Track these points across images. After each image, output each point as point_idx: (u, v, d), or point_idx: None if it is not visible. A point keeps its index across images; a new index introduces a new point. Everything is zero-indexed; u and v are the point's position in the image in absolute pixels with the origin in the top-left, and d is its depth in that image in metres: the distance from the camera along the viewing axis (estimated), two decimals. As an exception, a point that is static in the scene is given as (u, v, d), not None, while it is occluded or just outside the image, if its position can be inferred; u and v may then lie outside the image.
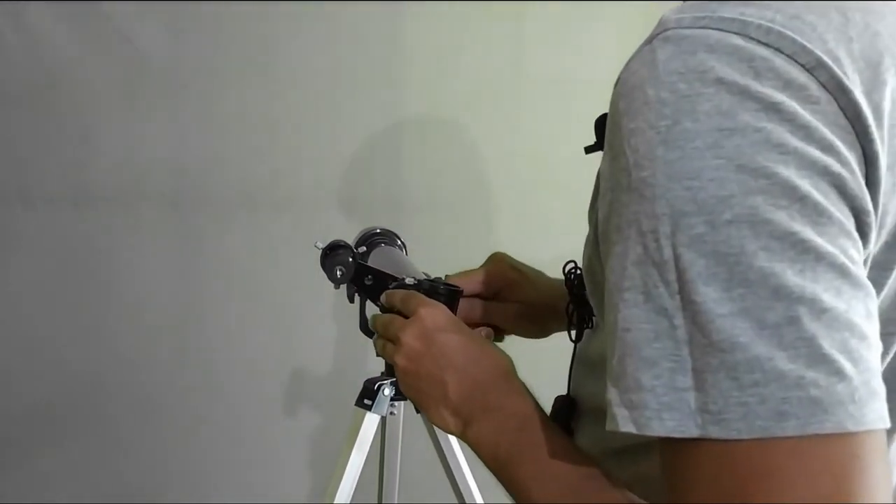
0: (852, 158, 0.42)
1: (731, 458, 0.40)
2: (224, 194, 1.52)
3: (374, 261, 0.97)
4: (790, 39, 0.42)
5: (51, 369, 1.49)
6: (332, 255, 0.92)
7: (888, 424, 0.41)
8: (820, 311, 0.39)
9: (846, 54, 0.43)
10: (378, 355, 0.77)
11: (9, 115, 1.41)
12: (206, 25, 1.46)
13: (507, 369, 0.65)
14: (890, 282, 0.47)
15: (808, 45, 0.42)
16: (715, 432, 0.40)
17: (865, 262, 0.44)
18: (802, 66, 0.42)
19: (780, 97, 0.41)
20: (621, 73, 0.47)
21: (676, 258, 0.41)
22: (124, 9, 1.42)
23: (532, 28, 1.60)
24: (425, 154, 1.60)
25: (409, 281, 0.82)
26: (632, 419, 0.43)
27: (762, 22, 0.42)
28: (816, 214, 0.40)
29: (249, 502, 1.58)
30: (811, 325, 0.39)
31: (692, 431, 0.41)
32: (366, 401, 1.01)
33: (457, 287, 0.81)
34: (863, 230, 0.42)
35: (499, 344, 0.86)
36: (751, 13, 0.43)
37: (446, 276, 0.89)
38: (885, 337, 0.45)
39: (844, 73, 0.42)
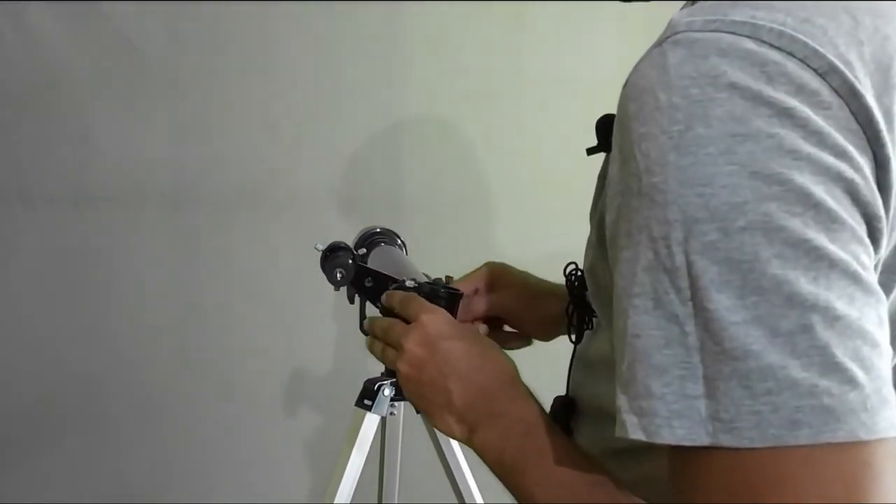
0: (864, 163, 0.41)
1: (743, 466, 0.40)
2: (224, 194, 1.52)
3: (374, 261, 0.97)
4: (802, 43, 0.42)
5: (51, 369, 1.49)
6: (331, 257, 0.92)
7: None
8: (833, 318, 0.39)
9: (857, 58, 0.43)
10: (379, 359, 0.76)
11: (9, 115, 1.41)
12: (205, 25, 1.46)
13: (511, 374, 0.65)
14: None
15: (820, 50, 0.41)
16: (727, 440, 0.40)
17: (875, 266, 0.43)
18: (814, 70, 0.41)
19: (793, 102, 0.41)
20: (630, 75, 0.46)
21: (689, 265, 0.41)
22: (124, 9, 1.42)
23: (532, 28, 1.60)
24: (425, 154, 1.60)
25: (409, 283, 0.82)
26: (641, 426, 0.43)
27: (774, 25, 0.42)
28: (830, 221, 0.40)
29: (249, 502, 1.58)
30: (824, 334, 0.39)
31: (703, 439, 0.41)
32: (366, 401, 1.01)
33: (457, 290, 0.81)
34: (874, 235, 0.42)
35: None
36: (762, 16, 0.42)
37: (446, 277, 0.89)
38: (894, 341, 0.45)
39: (856, 78, 0.42)
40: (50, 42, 1.40)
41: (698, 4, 0.47)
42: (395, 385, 0.98)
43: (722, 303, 0.40)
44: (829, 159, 0.40)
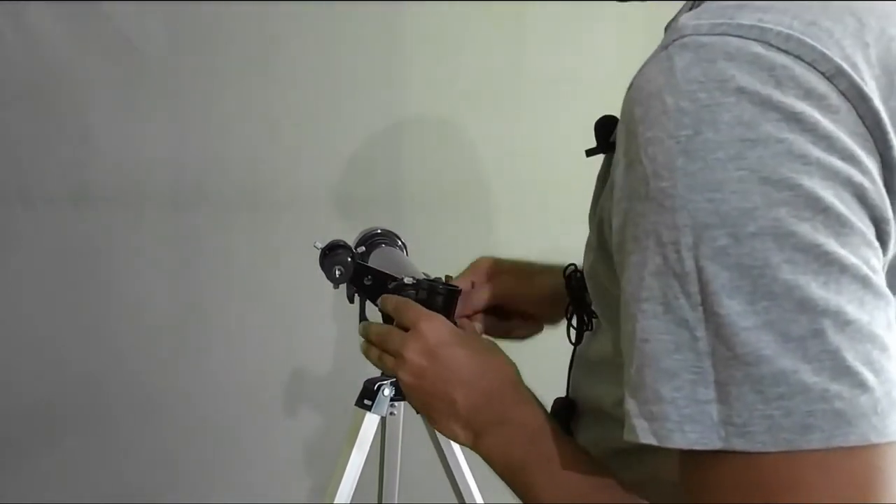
0: (872, 167, 0.41)
1: (755, 470, 0.40)
2: (224, 194, 1.52)
3: (374, 261, 0.97)
4: (809, 47, 0.41)
5: (51, 369, 1.49)
6: (331, 255, 0.92)
7: None
8: (844, 323, 0.39)
9: (863, 60, 0.43)
10: (375, 365, 0.76)
11: (9, 115, 1.41)
12: (206, 25, 1.46)
13: (513, 378, 0.65)
14: None
15: (828, 53, 0.41)
16: (739, 445, 0.40)
17: (883, 268, 0.44)
18: (822, 73, 0.41)
19: (802, 107, 0.41)
20: (635, 78, 0.46)
21: (699, 270, 0.41)
22: (124, 9, 1.42)
23: (532, 28, 1.60)
24: (425, 154, 1.60)
25: (407, 281, 0.82)
26: (652, 431, 0.43)
27: (781, 29, 0.42)
28: (839, 226, 0.40)
29: (249, 502, 1.58)
30: (835, 338, 0.39)
31: (715, 444, 0.41)
32: (366, 401, 1.01)
33: (455, 287, 0.81)
34: (882, 238, 0.42)
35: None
36: (769, 19, 0.42)
37: (446, 276, 0.89)
38: None
39: (863, 80, 0.42)
40: (50, 42, 1.40)
41: (703, 6, 0.47)
42: (395, 385, 0.98)
43: (733, 308, 0.40)
44: (838, 164, 0.40)
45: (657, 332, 0.43)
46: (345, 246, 0.94)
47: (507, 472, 0.60)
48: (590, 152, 0.61)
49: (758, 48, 0.42)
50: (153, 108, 1.47)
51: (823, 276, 0.40)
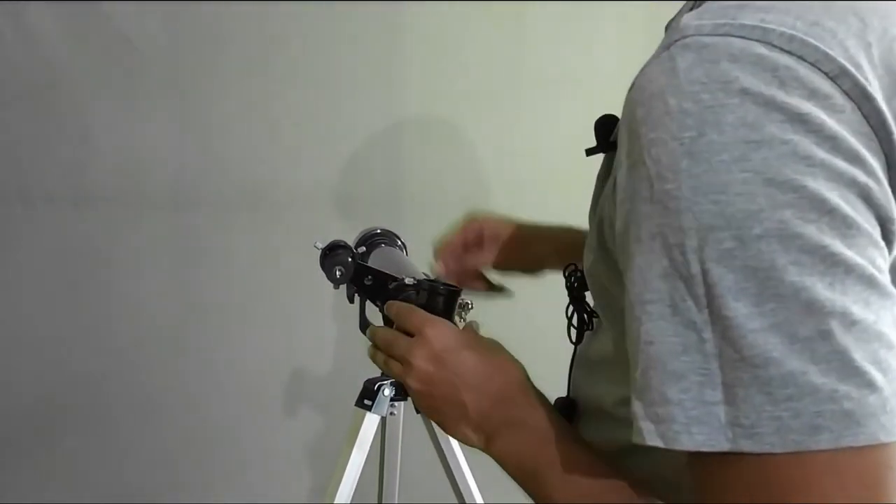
0: (877, 166, 0.41)
1: (764, 471, 0.40)
2: (224, 194, 1.52)
3: (374, 261, 0.97)
4: (813, 47, 0.41)
5: (51, 369, 1.49)
6: (331, 255, 0.92)
7: None
8: (850, 323, 0.39)
9: (866, 61, 0.43)
10: (382, 370, 0.76)
11: (9, 115, 1.41)
12: (205, 25, 1.46)
13: (522, 379, 0.65)
14: None
15: (831, 53, 0.41)
16: (748, 446, 0.40)
17: (889, 266, 0.44)
18: (826, 74, 0.41)
19: (807, 107, 0.40)
20: (637, 78, 0.46)
21: (704, 273, 0.41)
22: (124, 9, 1.42)
23: (532, 28, 1.60)
24: (425, 154, 1.60)
25: (408, 281, 0.82)
26: (658, 433, 0.43)
27: (784, 29, 0.42)
28: (845, 227, 0.40)
29: (249, 502, 1.58)
30: (843, 339, 0.39)
31: (723, 445, 0.41)
32: (366, 401, 1.01)
33: (457, 287, 0.81)
34: (888, 237, 0.42)
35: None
36: (771, 19, 0.42)
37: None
38: None
39: (867, 80, 0.42)
40: (50, 42, 1.40)
41: (705, 5, 0.47)
42: (396, 385, 0.98)
43: (740, 310, 0.40)
44: (843, 165, 0.40)
45: (664, 333, 0.43)
46: (345, 246, 0.94)
47: (520, 473, 0.60)
48: (590, 151, 0.61)
49: (761, 49, 0.41)
50: (153, 108, 1.47)
51: (829, 277, 0.40)
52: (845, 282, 0.40)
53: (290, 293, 1.54)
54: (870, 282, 0.40)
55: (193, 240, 1.52)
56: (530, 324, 1.31)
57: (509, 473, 0.61)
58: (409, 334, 0.70)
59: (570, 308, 0.72)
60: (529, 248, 0.89)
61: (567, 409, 0.67)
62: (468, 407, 0.64)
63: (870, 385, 0.39)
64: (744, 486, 0.41)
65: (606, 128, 0.59)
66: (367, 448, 1.02)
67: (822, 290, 0.39)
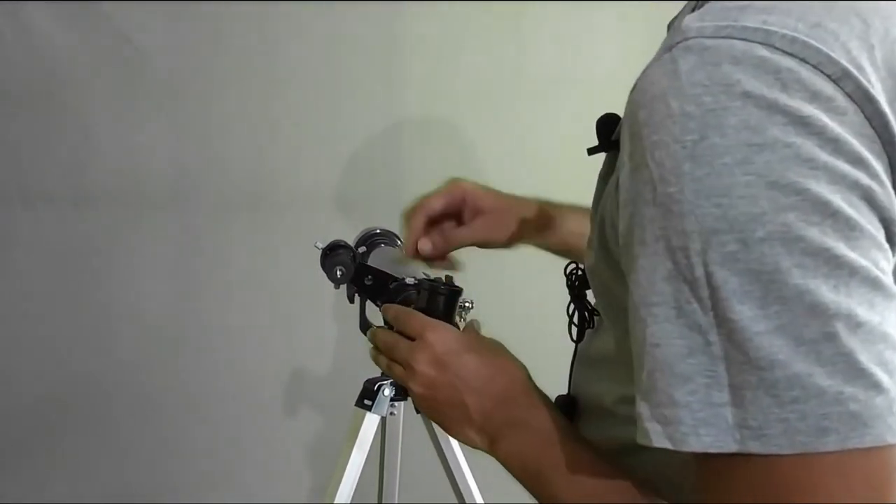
0: (880, 168, 0.41)
1: (771, 473, 0.40)
2: (224, 194, 1.52)
3: (374, 261, 0.97)
4: (815, 49, 0.41)
5: (51, 369, 1.49)
6: (331, 255, 0.92)
7: None
8: (855, 325, 0.39)
9: (869, 62, 0.42)
10: (384, 372, 0.77)
11: (9, 115, 1.41)
12: (206, 25, 1.46)
13: (524, 381, 0.65)
14: None
15: (833, 55, 0.41)
16: (755, 448, 0.40)
17: (892, 268, 0.44)
18: (828, 76, 0.41)
19: (809, 110, 0.40)
20: (638, 80, 0.46)
21: (708, 276, 0.41)
22: (124, 9, 1.42)
23: (532, 28, 1.60)
24: (425, 154, 1.60)
25: (409, 280, 0.82)
26: (666, 435, 0.43)
27: (786, 31, 0.42)
28: (848, 229, 0.40)
29: (249, 502, 1.58)
30: (848, 341, 0.39)
31: (730, 447, 0.41)
32: (366, 401, 1.01)
33: (457, 287, 0.81)
34: (891, 239, 0.42)
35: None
36: (773, 21, 0.42)
37: (446, 276, 0.89)
38: None
39: (869, 82, 0.42)
40: (50, 42, 1.40)
41: (706, 7, 0.47)
42: (395, 385, 0.98)
43: (745, 313, 0.40)
44: (846, 167, 0.40)
45: (669, 336, 0.43)
46: (345, 246, 0.94)
47: (524, 474, 0.60)
48: (591, 151, 0.61)
49: (763, 51, 0.41)
50: (153, 107, 1.47)
51: (833, 280, 0.40)
52: (850, 284, 0.40)
53: (290, 293, 1.54)
54: (874, 284, 0.40)
55: (193, 240, 1.52)
56: (531, 322, 1.31)
57: (513, 475, 0.62)
58: (410, 338, 0.71)
59: (572, 306, 0.72)
60: (510, 223, 0.90)
61: (568, 407, 0.67)
62: (471, 409, 0.64)
63: (876, 386, 0.39)
64: (750, 487, 0.41)
65: (608, 127, 0.59)
66: (367, 448, 1.02)
67: (827, 292, 0.39)
